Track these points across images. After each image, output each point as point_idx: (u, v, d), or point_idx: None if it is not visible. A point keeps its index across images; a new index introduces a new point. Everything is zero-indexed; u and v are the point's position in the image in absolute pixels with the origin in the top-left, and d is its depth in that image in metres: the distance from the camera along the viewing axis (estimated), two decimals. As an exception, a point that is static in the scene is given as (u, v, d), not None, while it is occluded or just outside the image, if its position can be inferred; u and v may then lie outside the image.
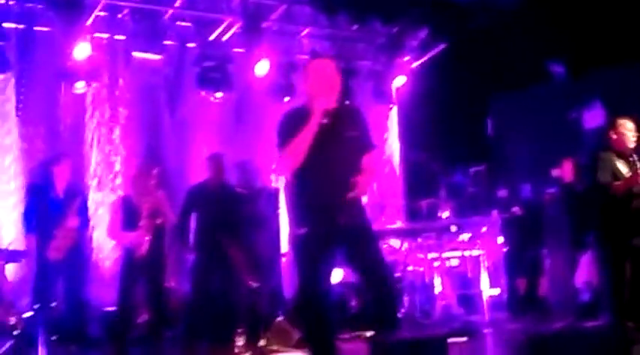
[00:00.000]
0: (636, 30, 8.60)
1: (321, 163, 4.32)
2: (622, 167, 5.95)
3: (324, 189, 4.34)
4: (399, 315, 4.65)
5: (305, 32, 9.75)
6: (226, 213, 7.08)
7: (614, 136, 6.08)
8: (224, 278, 7.00)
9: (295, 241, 4.52)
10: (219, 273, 7.02)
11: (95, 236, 8.12)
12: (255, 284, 7.08)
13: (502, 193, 9.05)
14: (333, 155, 4.34)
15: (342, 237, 4.37)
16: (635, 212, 5.84)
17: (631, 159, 6.00)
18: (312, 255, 4.39)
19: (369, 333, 6.82)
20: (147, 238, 6.50)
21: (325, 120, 4.30)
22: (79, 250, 6.97)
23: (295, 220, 4.51)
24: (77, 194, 7.02)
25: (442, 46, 10.12)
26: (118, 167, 8.49)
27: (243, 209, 7.29)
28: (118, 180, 8.42)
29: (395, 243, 8.29)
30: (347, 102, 4.65)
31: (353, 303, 7.56)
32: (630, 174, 5.89)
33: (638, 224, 5.85)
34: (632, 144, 6.03)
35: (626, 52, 8.90)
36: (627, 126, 6.05)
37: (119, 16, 8.50)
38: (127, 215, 6.65)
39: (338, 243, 4.40)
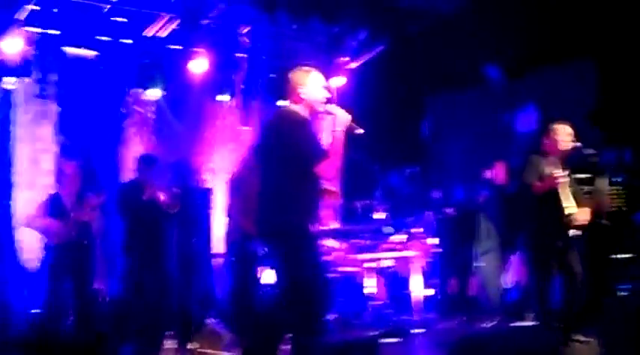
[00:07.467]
0: (570, 31, 8.72)
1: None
2: (549, 170, 6.03)
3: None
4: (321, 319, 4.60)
5: (245, 30, 9.67)
6: (159, 214, 6.98)
7: (547, 140, 6.19)
8: (155, 280, 6.90)
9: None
10: (150, 275, 6.91)
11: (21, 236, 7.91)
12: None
13: (436, 194, 9.13)
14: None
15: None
16: (558, 215, 5.93)
17: (558, 161, 6.11)
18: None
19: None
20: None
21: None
22: (4, 250, 6.81)
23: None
24: None
25: (381, 48, 10.16)
26: (47, 165, 8.29)
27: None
28: (48, 179, 8.22)
29: (331, 243, 8.30)
30: None
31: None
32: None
33: (561, 226, 5.94)
34: (563, 148, 6.14)
35: (560, 55, 9.03)
36: (561, 130, 6.16)
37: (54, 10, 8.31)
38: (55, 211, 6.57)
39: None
